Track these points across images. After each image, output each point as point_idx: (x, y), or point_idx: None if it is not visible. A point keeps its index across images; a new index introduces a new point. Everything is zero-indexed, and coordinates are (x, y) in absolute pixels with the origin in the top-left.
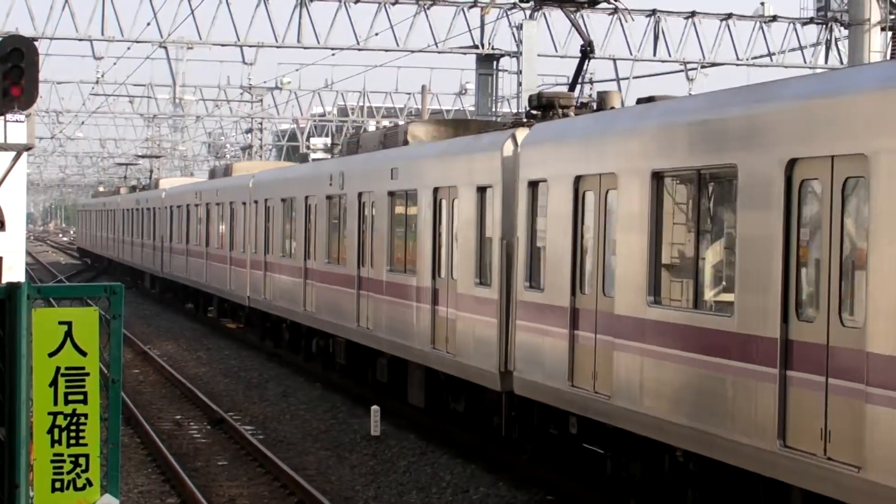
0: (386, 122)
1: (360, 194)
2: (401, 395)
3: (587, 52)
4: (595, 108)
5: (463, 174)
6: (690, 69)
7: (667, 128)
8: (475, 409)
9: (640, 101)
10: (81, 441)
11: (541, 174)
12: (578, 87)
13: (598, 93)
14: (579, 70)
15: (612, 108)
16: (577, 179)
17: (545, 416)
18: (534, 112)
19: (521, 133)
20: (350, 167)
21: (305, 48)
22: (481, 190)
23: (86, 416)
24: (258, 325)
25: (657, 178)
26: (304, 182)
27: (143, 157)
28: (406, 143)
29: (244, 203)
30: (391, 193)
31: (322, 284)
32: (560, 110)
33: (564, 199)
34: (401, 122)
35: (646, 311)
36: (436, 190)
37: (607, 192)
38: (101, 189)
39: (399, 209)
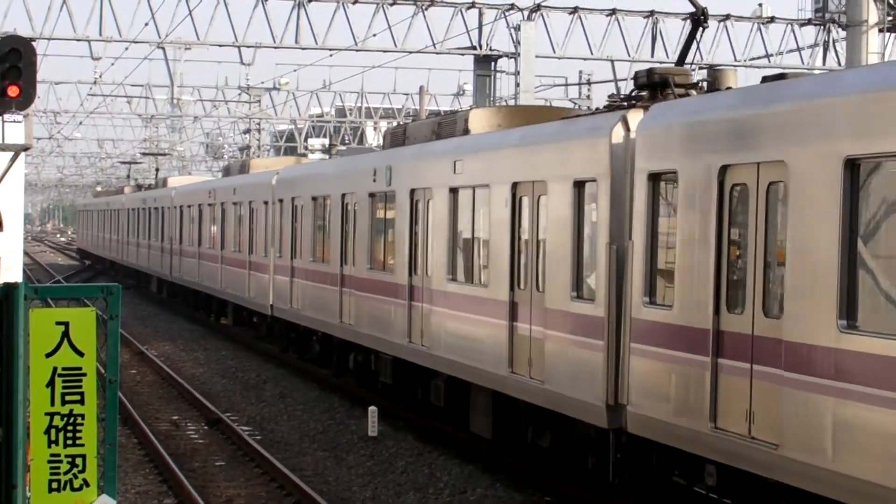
0: (384, 123)
1: (412, 191)
2: (460, 422)
3: (700, 20)
4: (706, 88)
5: (553, 166)
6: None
7: (875, 101)
8: (562, 445)
9: (766, 79)
10: (78, 441)
11: (667, 164)
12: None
13: (709, 70)
14: (690, 41)
15: (729, 87)
16: (723, 170)
17: (666, 461)
18: (639, 93)
19: (635, 115)
20: (399, 161)
21: (303, 49)
22: (579, 185)
23: (83, 416)
24: (281, 336)
25: (853, 165)
26: (341, 178)
27: (147, 154)
28: (467, 131)
29: (266, 202)
30: (453, 190)
31: (363, 294)
32: (675, 89)
33: (704, 195)
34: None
35: (839, 339)
36: (514, 185)
37: (769, 186)
38: (98, 189)
39: (464, 208)
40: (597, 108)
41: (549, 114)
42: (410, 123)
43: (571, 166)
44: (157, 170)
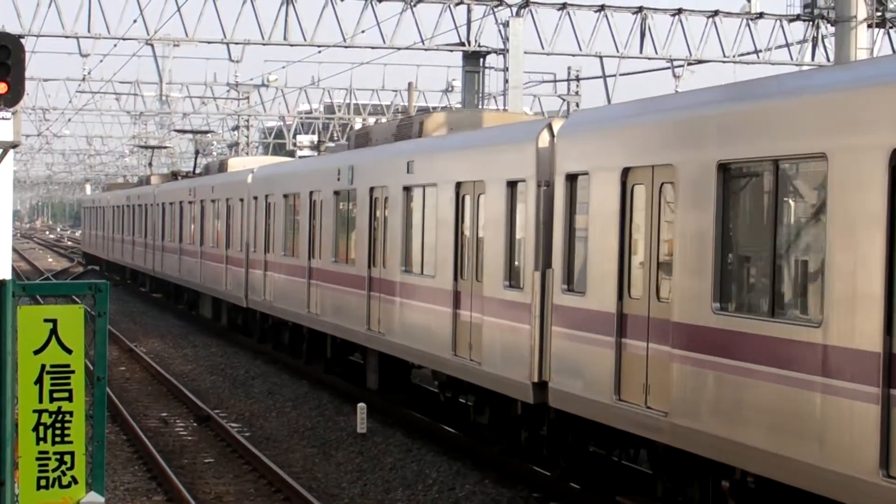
0: (372, 120)
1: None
2: None
3: None
4: None
5: None
6: (677, 66)
7: None
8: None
9: None
10: (67, 438)
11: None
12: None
13: None
14: None
15: None
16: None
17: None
18: None
19: None
20: None
21: (292, 45)
22: None
23: (71, 413)
24: (563, 447)
25: None
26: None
27: (184, 131)
28: None
29: (515, 183)
30: None
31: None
32: None
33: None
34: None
35: None
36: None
37: None
38: (89, 186)
39: None
40: None
41: None
42: None
43: None
44: (196, 152)
